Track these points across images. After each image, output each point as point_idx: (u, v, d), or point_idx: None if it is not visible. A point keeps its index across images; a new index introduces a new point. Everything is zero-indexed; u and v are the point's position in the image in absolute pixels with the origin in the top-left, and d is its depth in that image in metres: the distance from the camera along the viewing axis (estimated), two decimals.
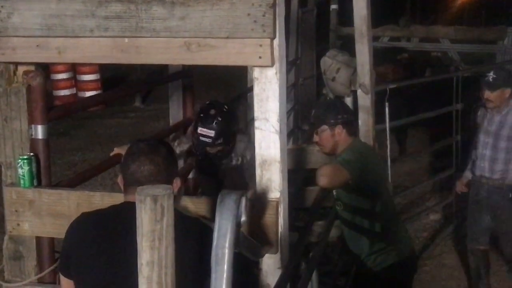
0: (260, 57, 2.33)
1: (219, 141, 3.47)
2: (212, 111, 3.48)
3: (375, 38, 10.71)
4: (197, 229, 2.10)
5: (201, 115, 3.50)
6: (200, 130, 3.45)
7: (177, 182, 2.20)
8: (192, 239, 2.04)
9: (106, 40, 2.46)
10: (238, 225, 1.82)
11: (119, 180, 2.22)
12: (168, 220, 1.49)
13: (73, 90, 12.25)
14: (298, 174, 4.62)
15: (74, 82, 12.29)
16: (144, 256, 1.48)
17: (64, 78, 12.14)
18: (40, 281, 2.75)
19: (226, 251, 1.74)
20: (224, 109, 3.53)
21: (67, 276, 2.22)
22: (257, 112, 2.41)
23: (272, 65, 2.34)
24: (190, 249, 2.01)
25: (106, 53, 2.48)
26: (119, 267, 2.03)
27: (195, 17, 2.35)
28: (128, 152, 2.20)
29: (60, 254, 2.32)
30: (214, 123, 3.44)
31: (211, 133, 3.44)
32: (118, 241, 2.05)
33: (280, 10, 2.34)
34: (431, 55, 9.17)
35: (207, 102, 3.61)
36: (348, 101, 4.77)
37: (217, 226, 1.77)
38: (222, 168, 3.64)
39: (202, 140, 3.46)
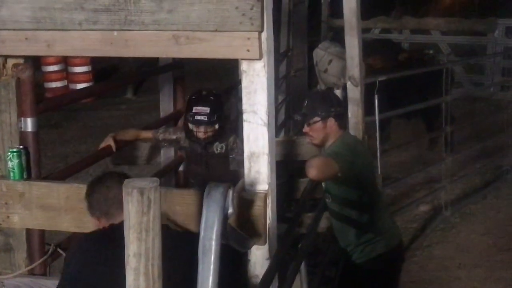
0: (248, 50, 2.35)
1: (214, 118, 3.56)
2: (204, 92, 3.63)
3: (366, 30, 10.74)
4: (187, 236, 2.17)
5: (193, 97, 3.63)
6: (195, 109, 3.56)
7: None
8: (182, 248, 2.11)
9: (95, 33, 2.47)
10: (225, 217, 1.85)
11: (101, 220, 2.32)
12: (155, 212, 1.51)
13: (65, 82, 12.19)
14: (289, 166, 4.65)
15: (66, 74, 12.23)
16: (131, 247, 1.50)
17: (56, 70, 12.07)
18: (31, 272, 2.78)
19: (213, 242, 1.76)
20: (214, 91, 3.70)
21: None
22: (245, 104, 2.43)
23: (260, 58, 2.36)
24: (181, 256, 2.07)
25: (95, 46, 2.50)
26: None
27: (183, 10, 2.37)
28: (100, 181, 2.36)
29: (63, 282, 2.29)
30: (207, 101, 3.57)
31: (206, 109, 3.55)
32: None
33: (268, 2, 2.35)
34: (424, 52, 9.17)
35: (196, 89, 3.77)
36: (338, 93, 4.80)
37: (204, 218, 1.80)
38: (208, 157, 3.72)
39: (198, 119, 3.56)
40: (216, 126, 3.61)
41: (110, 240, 2.18)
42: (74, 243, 2.35)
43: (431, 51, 9.28)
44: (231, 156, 3.74)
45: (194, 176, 3.89)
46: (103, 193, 2.32)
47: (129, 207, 1.48)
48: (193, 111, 3.56)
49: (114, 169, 2.51)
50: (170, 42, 2.41)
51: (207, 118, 3.55)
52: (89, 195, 2.38)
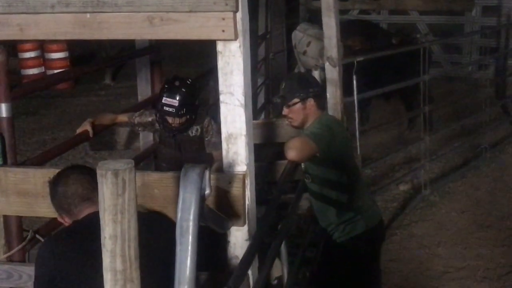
0: (223, 31, 2.32)
1: (182, 111, 3.55)
2: (177, 83, 3.60)
3: (345, 11, 10.73)
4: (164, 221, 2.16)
5: (166, 86, 3.60)
6: (165, 99, 3.57)
7: None
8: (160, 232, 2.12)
9: (68, 15, 2.43)
10: (202, 198, 1.84)
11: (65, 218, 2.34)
12: (130, 193, 1.50)
13: (42, 69, 12.05)
14: (269, 148, 4.65)
15: (43, 60, 12.08)
16: (107, 229, 1.49)
17: (32, 56, 11.93)
18: (9, 259, 2.75)
19: (191, 223, 1.75)
20: (188, 82, 3.65)
21: None
22: (222, 86, 2.41)
23: (235, 39, 2.34)
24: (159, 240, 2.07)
25: (68, 29, 2.46)
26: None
27: None
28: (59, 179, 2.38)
29: (38, 282, 2.26)
30: (178, 93, 3.55)
31: (175, 102, 3.56)
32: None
33: None
34: (414, 36, 9.18)
35: (173, 75, 3.73)
36: (315, 74, 4.80)
37: (181, 199, 1.79)
38: (181, 140, 3.73)
39: (166, 111, 3.57)
40: (184, 119, 3.62)
41: (76, 236, 2.21)
42: (42, 246, 2.35)
43: (418, 35, 9.31)
44: (206, 139, 3.75)
45: (167, 159, 3.88)
46: (62, 193, 2.33)
47: (104, 189, 1.47)
48: (163, 101, 3.56)
49: (75, 164, 2.56)
50: (144, 23, 2.38)
51: (175, 110, 3.56)
52: (52, 196, 2.38)
